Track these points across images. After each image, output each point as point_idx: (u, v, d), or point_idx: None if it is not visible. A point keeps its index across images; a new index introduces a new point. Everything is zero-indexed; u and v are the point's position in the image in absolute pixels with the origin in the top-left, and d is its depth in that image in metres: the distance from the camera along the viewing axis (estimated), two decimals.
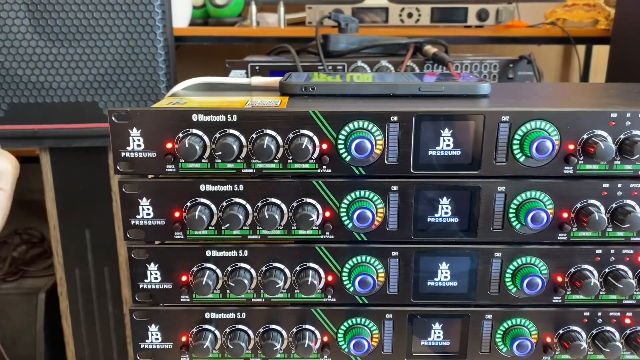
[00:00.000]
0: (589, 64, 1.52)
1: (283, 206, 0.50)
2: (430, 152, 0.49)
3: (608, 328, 0.52)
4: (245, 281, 0.50)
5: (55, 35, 0.92)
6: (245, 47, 1.36)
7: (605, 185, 0.49)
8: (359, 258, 0.51)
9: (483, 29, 1.26)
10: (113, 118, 0.48)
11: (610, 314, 0.52)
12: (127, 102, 0.96)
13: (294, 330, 0.53)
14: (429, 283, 0.52)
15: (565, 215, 0.50)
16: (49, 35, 0.92)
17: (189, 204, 0.49)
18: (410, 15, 1.26)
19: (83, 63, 0.94)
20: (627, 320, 0.52)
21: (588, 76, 1.51)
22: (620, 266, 0.51)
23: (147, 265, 0.51)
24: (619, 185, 0.49)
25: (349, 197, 0.50)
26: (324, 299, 0.52)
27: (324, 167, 0.49)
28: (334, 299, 0.52)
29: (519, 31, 1.25)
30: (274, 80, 0.57)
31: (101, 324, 1.09)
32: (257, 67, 0.95)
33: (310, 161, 0.49)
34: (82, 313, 1.08)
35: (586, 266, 0.51)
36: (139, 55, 0.95)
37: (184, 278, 0.51)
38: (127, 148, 0.48)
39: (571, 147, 0.48)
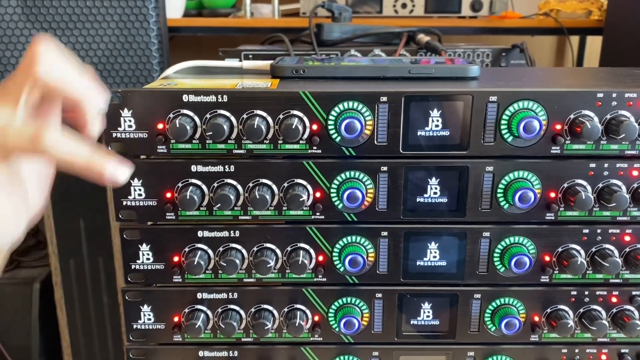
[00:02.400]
0: (582, 55, 1.52)
1: (274, 187, 0.50)
2: (419, 133, 0.49)
3: (595, 307, 0.53)
4: (237, 261, 0.51)
5: (48, 23, 0.92)
6: (240, 38, 1.36)
7: (592, 165, 0.50)
8: (349, 238, 0.52)
9: (477, 20, 1.26)
10: None
11: (597, 292, 0.53)
12: None
13: (285, 309, 0.54)
14: (418, 263, 0.52)
15: (552, 195, 0.50)
16: (41, 23, 0.92)
17: (180, 184, 0.50)
18: (404, 5, 1.27)
19: (76, 52, 0.94)
20: (614, 299, 0.53)
21: (583, 67, 1.52)
22: (607, 245, 0.52)
23: (139, 246, 0.52)
24: (606, 165, 0.50)
25: (339, 178, 0.50)
26: (315, 279, 0.53)
27: (314, 147, 0.49)
28: (325, 279, 0.53)
29: (512, 22, 1.25)
30: (266, 64, 0.58)
31: (96, 314, 1.09)
32: (250, 56, 0.95)
33: (301, 142, 0.49)
34: (77, 303, 1.08)
35: (573, 245, 0.52)
36: (132, 44, 0.95)
37: (176, 258, 0.52)
38: (119, 129, 0.49)
39: (558, 127, 0.48)
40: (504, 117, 0.48)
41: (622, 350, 0.54)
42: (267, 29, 1.19)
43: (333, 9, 1.04)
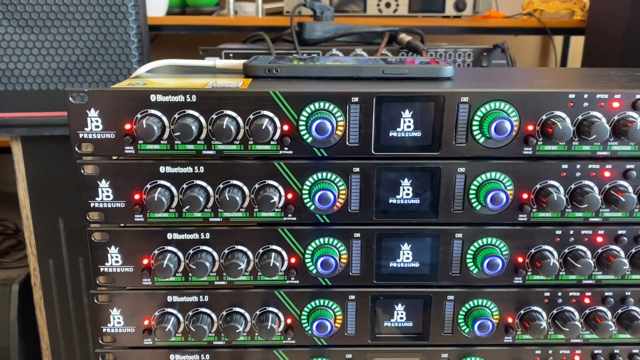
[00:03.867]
0: (566, 55, 1.53)
1: (245, 188, 0.49)
2: (391, 134, 0.49)
3: (568, 308, 0.53)
4: (207, 264, 0.50)
5: (25, 21, 0.91)
6: (224, 36, 1.35)
7: (564, 166, 0.49)
8: (321, 240, 0.51)
9: (461, 20, 1.27)
10: (70, 99, 0.47)
11: (570, 294, 0.53)
12: None
13: (257, 312, 0.53)
14: (391, 264, 0.52)
15: (525, 196, 0.50)
16: (18, 21, 0.91)
17: (148, 186, 0.49)
18: (388, 5, 1.26)
19: (54, 50, 0.92)
20: (587, 300, 0.53)
21: (566, 66, 1.53)
22: (580, 246, 0.51)
23: (108, 249, 0.51)
24: (578, 166, 0.49)
25: (310, 179, 0.50)
26: (287, 281, 0.52)
27: (286, 148, 0.49)
28: (297, 281, 0.52)
29: (496, 21, 1.26)
30: (239, 63, 0.57)
31: (76, 315, 1.07)
32: (231, 55, 0.94)
33: (272, 142, 0.48)
34: (57, 304, 1.06)
35: (546, 247, 0.51)
36: (112, 42, 0.93)
37: (145, 261, 0.51)
38: (85, 129, 0.48)
39: (530, 127, 0.48)
40: (476, 118, 0.48)
41: (595, 351, 0.54)
42: (251, 27, 1.18)
43: (315, 8, 1.03)
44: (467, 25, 1.24)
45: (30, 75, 0.92)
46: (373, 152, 0.49)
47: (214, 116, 0.47)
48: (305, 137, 0.48)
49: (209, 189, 0.49)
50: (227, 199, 0.48)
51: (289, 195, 0.50)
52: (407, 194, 0.50)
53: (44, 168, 1.01)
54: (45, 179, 1.01)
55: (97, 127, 0.48)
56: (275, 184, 0.49)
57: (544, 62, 1.62)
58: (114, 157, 0.49)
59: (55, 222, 1.03)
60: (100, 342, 0.53)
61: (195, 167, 0.49)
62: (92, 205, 0.50)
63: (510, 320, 0.53)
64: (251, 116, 0.48)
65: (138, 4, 0.94)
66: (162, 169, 0.49)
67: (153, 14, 1.19)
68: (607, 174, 0.50)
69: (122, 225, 0.51)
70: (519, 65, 1.57)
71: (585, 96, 0.48)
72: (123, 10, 0.92)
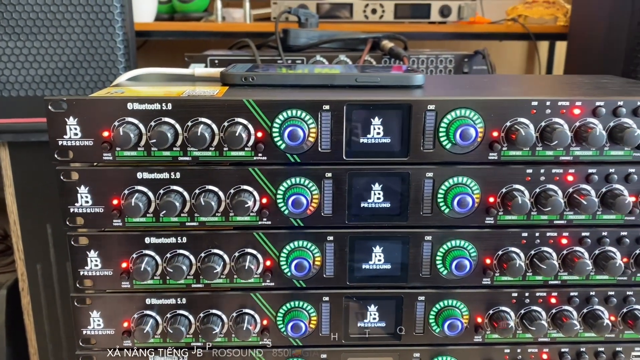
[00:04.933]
0: (552, 60, 1.56)
1: (220, 193, 0.51)
2: (361, 140, 0.50)
3: (535, 308, 0.55)
4: (184, 267, 0.51)
5: (12, 29, 0.92)
6: (213, 42, 1.36)
7: (529, 170, 0.51)
8: (296, 243, 0.53)
9: (446, 25, 1.28)
10: (50, 107, 0.48)
11: (537, 294, 0.55)
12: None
13: (234, 314, 0.54)
14: (363, 266, 0.54)
15: (491, 199, 0.52)
16: (5, 29, 0.92)
17: (126, 191, 0.50)
18: (374, 11, 1.28)
19: (41, 57, 0.93)
20: (553, 300, 0.55)
21: (552, 72, 1.55)
22: (545, 248, 0.53)
23: (87, 253, 0.52)
24: (542, 171, 0.51)
25: (284, 184, 0.51)
26: (263, 284, 0.54)
27: (260, 154, 0.50)
28: (273, 284, 0.54)
29: (480, 27, 1.28)
30: (217, 71, 0.58)
31: (64, 320, 1.08)
32: (216, 61, 0.96)
33: (246, 149, 0.50)
34: (45, 308, 1.07)
35: (513, 248, 0.53)
36: (98, 49, 0.95)
37: (124, 265, 0.52)
38: (64, 137, 0.49)
39: (495, 134, 0.50)
40: (442, 124, 0.50)
41: (562, 350, 0.56)
42: (239, 33, 1.20)
43: (300, 15, 1.05)
44: (452, 30, 1.26)
45: (17, 81, 0.93)
46: (344, 157, 0.51)
47: (189, 123, 0.49)
48: (278, 143, 0.50)
49: (185, 194, 0.51)
50: (203, 203, 0.50)
51: (264, 200, 0.51)
52: (378, 198, 0.52)
53: (31, 174, 1.02)
54: (33, 185, 1.02)
55: (75, 134, 0.49)
56: (250, 189, 0.51)
57: (531, 67, 1.64)
58: (93, 164, 0.50)
59: (42, 227, 1.04)
60: (81, 344, 0.55)
61: (172, 173, 0.50)
62: (71, 210, 0.51)
63: (479, 320, 0.55)
64: (225, 123, 0.49)
65: (124, 11, 0.95)
66: (139, 175, 0.50)
67: (142, 19, 1.20)
68: (570, 178, 0.51)
69: (101, 229, 0.52)
70: (505, 71, 1.59)
71: (548, 103, 0.50)
72: (109, 18, 0.94)
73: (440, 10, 1.30)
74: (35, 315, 1.07)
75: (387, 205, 0.52)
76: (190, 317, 0.54)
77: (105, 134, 0.49)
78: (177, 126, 0.49)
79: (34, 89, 0.94)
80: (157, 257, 0.52)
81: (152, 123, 0.49)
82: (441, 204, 0.52)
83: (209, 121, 0.49)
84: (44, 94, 0.94)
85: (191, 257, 0.53)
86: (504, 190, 0.52)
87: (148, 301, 0.54)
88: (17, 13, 0.90)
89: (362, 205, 0.52)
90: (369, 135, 0.50)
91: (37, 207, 1.03)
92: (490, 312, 0.55)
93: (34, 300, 1.06)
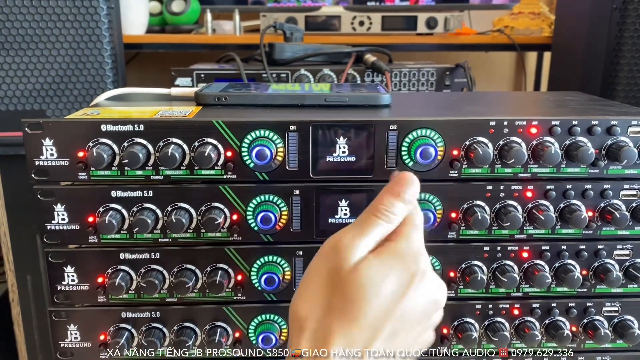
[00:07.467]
0: (540, 71, 1.57)
1: (192, 210, 0.53)
2: (328, 158, 0.52)
3: (499, 319, 0.57)
4: (157, 282, 0.53)
5: (1, 44, 0.94)
6: (204, 54, 1.39)
7: (489, 187, 0.53)
8: (266, 258, 0.55)
9: (432, 37, 1.30)
10: (26, 129, 0.51)
11: (500, 306, 0.56)
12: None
13: (207, 327, 0.56)
14: None
15: (453, 215, 0.54)
16: None
17: (101, 209, 0.52)
18: (361, 23, 1.30)
19: (30, 72, 0.95)
20: (516, 312, 0.57)
21: (540, 82, 1.57)
22: (507, 262, 0.55)
23: (64, 268, 0.54)
24: (501, 187, 0.53)
25: (254, 201, 0.53)
26: (235, 297, 0.55)
27: (229, 173, 0.52)
28: (244, 297, 0.56)
29: (467, 38, 1.30)
30: (192, 91, 0.60)
31: None
32: (202, 75, 0.98)
33: (216, 167, 0.52)
34: (35, 319, 1.09)
35: (476, 262, 0.55)
36: (86, 63, 0.97)
37: (100, 280, 0.54)
38: (41, 157, 0.51)
39: (455, 152, 0.52)
40: (404, 144, 0.51)
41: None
42: (228, 45, 1.22)
43: (285, 29, 1.07)
44: (439, 42, 1.28)
45: (6, 96, 0.95)
46: (311, 175, 0.53)
47: (160, 144, 0.51)
48: (247, 162, 0.52)
49: (158, 211, 0.53)
50: (175, 221, 0.52)
51: (234, 217, 0.53)
52: (345, 214, 0.54)
53: (21, 186, 1.04)
54: (22, 197, 1.04)
55: (52, 155, 0.51)
56: (221, 206, 0.53)
57: (519, 77, 1.67)
58: (64, 183, 0.52)
59: (32, 238, 1.06)
60: (59, 356, 0.56)
61: (145, 191, 0.52)
62: (48, 227, 0.53)
63: (445, 331, 0.57)
64: (196, 143, 0.51)
65: (112, 26, 0.98)
66: (113, 194, 0.52)
67: (133, 32, 1.22)
68: (529, 194, 0.53)
69: (77, 246, 0.54)
70: (494, 81, 1.62)
71: (505, 123, 0.51)
72: (97, 33, 0.96)
73: (427, 22, 1.32)
74: (26, 326, 1.09)
75: (354, 220, 0.54)
76: (165, 330, 0.56)
77: (80, 154, 0.51)
78: (149, 146, 0.51)
79: (23, 103, 0.96)
80: (132, 272, 0.54)
81: (125, 144, 0.51)
82: None
83: (179, 141, 0.51)
84: (33, 108, 0.96)
85: (164, 272, 0.54)
86: (465, 206, 0.53)
87: (124, 315, 0.55)
88: (7, 29, 0.93)
89: (329, 220, 0.54)
90: (334, 154, 0.52)
91: (27, 219, 1.05)
92: (456, 323, 0.57)
93: (24, 311, 1.08)
